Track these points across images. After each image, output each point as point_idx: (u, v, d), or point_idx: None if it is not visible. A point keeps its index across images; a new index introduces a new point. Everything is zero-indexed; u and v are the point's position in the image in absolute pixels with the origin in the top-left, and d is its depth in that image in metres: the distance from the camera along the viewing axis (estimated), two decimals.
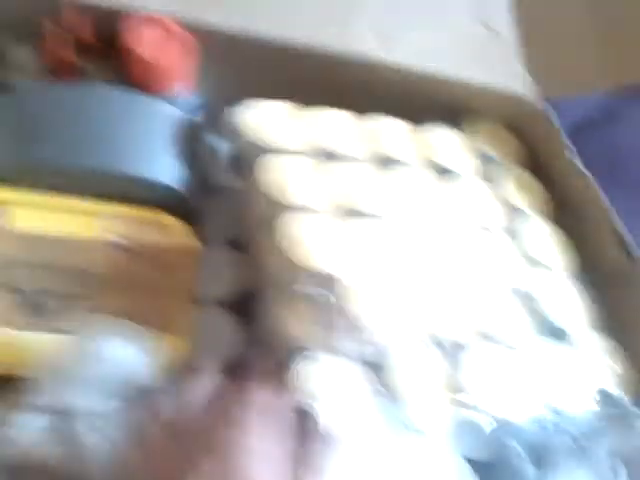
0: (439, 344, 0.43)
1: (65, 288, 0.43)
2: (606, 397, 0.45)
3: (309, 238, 0.43)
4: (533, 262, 0.50)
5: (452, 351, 0.43)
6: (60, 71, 0.48)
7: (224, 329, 0.46)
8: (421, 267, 0.46)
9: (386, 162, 0.50)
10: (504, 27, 0.57)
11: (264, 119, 0.49)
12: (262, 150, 0.47)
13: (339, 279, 0.42)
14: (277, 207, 0.44)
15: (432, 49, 0.55)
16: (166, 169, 0.46)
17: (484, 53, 0.56)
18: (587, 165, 0.54)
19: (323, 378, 0.39)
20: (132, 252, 0.45)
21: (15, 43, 0.48)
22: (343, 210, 0.46)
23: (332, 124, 0.51)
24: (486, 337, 0.44)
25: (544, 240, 0.52)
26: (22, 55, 0.48)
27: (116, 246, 0.44)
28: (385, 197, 0.48)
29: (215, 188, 0.49)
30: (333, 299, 0.41)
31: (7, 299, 0.41)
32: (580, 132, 0.56)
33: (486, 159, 0.55)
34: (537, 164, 0.57)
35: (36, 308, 0.42)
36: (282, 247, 0.42)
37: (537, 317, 0.47)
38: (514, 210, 0.52)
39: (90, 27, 0.48)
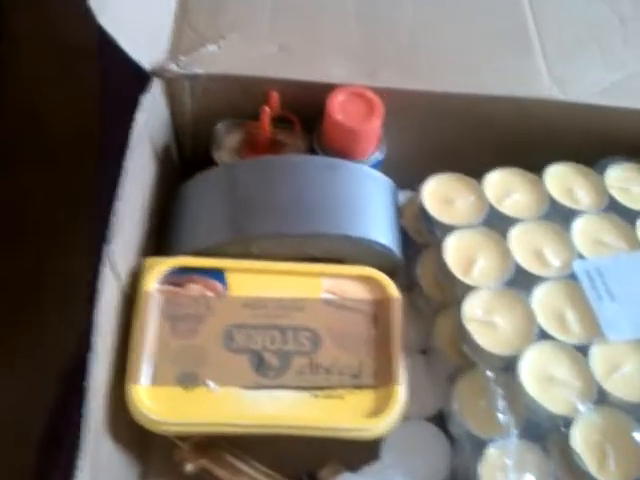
0: None
1: (283, 346, 0.45)
2: None
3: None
4: None
5: None
6: (261, 147, 0.52)
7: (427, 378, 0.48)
8: None
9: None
10: None
11: (443, 196, 0.52)
12: (445, 228, 0.50)
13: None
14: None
15: (611, 86, 0.55)
16: (378, 229, 0.49)
17: None
18: None
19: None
20: (343, 307, 0.47)
21: (228, 129, 0.54)
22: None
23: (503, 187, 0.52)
24: None
25: None
26: (233, 139, 0.53)
27: (328, 302, 0.47)
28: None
29: (416, 245, 0.51)
30: None
31: (240, 360, 0.44)
32: None
33: None
34: None
35: (262, 367, 0.44)
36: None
37: None
38: None
39: (283, 102, 0.51)
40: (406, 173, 0.53)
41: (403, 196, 0.55)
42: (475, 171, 0.53)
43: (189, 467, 0.46)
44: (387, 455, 0.46)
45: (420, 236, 0.52)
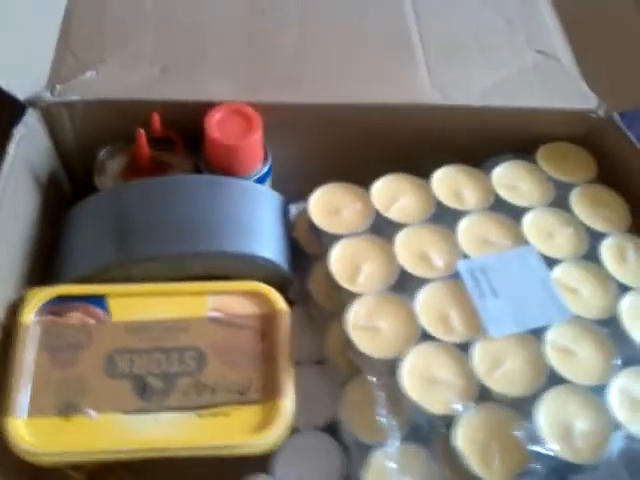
0: None
1: (168, 368, 0.44)
2: None
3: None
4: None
5: None
6: (144, 169, 0.52)
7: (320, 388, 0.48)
8: None
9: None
10: (560, 51, 0.58)
11: (330, 206, 0.52)
12: (332, 237, 0.50)
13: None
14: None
15: (494, 87, 0.55)
16: (261, 243, 0.49)
17: (546, 80, 0.56)
18: None
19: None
20: (230, 324, 0.46)
21: (111, 155, 0.54)
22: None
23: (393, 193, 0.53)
24: None
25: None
26: (116, 164, 0.53)
27: (214, 320, 0.46)
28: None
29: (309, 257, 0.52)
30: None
31: (122, 385, 0.44)
32: None
33: (560, 185, 0.54)
34: (613, 177, 0.56)
35: (145, 391, 0.44)
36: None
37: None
38: (592, 234, 0.52)
39: (167, 123, 0.51)
40: (299, 185, 0.53)
41: (297, 209, 0.54)
42: (366, 180, 0.54)
43: None
44: (280, 468, 0.45)
45: (311, 247, 0.52)
